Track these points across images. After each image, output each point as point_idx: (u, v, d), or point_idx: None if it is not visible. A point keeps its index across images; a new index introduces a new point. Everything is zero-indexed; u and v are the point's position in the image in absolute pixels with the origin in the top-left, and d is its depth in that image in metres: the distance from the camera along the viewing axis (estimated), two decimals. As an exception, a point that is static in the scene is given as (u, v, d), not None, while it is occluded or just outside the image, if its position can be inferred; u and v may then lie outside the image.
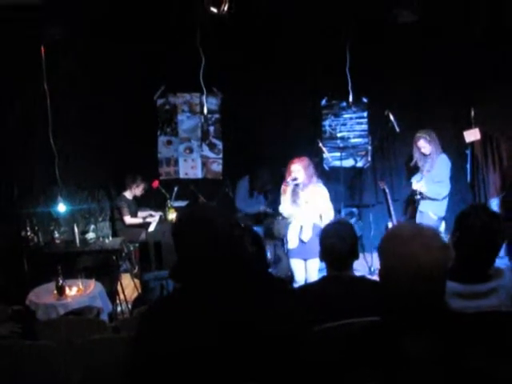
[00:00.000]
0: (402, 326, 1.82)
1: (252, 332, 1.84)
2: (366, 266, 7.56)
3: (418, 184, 6.63)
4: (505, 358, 1.81)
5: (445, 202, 6.59)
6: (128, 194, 7.88)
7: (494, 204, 7.41)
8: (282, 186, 5.91)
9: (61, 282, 5.45)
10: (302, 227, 5.69)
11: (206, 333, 1.81)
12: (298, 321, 1.98)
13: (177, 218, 2.21)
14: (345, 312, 2.63)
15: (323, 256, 3.18)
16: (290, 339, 1.89)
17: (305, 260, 5.72)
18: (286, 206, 5.83)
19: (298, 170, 5.66)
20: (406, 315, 1.83)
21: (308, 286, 3.41)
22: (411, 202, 7.18)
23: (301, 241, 5.70)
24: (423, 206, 6.69)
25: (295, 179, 5.65)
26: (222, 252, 1.92)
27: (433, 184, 6.52)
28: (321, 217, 5.63)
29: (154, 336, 1.86)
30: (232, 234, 1.96)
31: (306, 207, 5.69)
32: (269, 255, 6.65)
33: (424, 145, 6.60)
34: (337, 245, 3.07)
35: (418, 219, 6.63)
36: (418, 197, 6.68)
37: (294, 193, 5.73)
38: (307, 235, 5.62)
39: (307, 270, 5.70)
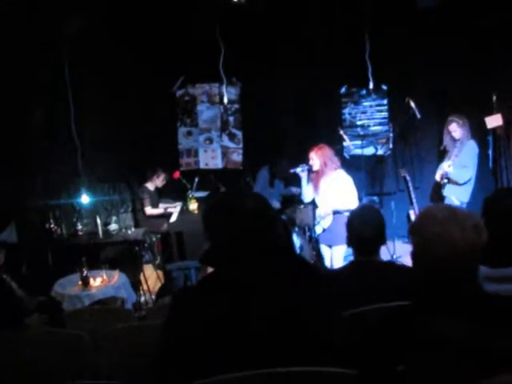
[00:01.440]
0: (435, 307, 1.81)
1: (287, 316, 1.83)
2: (388, 254, 7.50)
3: (445, 165, 6.58)
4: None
5: (469, 188, 6.54)
6: (150, 185, 7.91)
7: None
8: (304, 174, 6.00)
9: (85, 272, 5.50)
10: (322, 215, 5.77)
11: (240, 317, 1.81)
12: (331, 306, 1.97)
13: (209, 202, 2.17)
14: (373, 297, 2.61)
15: (350, 242, 3.16)
16: (324, 324, 1.88)
17: (330, 246, 5.77)
18: (306, 193, 5.98)
19: (313, 158, 5.77)
20: (439, 297, 1.83)
21: (336, 272, 3.40)
22: (437, 188, 7.13)
23: (323, 228, 5.76)
24: (447, 190, 6.66)
25: (309, 166, 5.80)
26: (256, 236, 1.90)
27: (459, 168, 6.49)
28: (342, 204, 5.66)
29: (187, 320, 1.85)
30: (266, 218, 1.94)
31: (325, 195, 5.74)
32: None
33: (455, 129, 6.57)
34: (364, 230, 3.04)
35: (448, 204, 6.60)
36: (445, 181, 6.65)
37: (315, 181, 5.85)
38: (327, 222, 5.68)
39: (332, 257, 5.74)
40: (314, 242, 6.83)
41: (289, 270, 1.93)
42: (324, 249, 5.96)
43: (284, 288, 1.87)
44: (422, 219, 1.91)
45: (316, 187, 5.83)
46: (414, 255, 1.94)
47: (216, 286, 1.89)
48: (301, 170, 5.88)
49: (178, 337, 1.85)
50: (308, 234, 7.16)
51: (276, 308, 1.82)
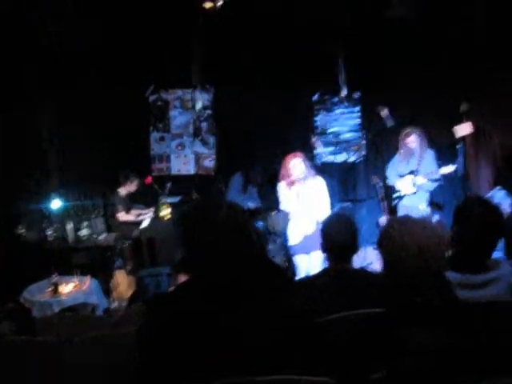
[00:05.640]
0: (410, 317, 1.84)
1: (260, 323, 1.84)
2: (359, 260, 7.54)
3: (418, 179, 6.65)
4: (506, 345, 1.84)
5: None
6: (122, 190, 7.76)
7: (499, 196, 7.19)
8: (283, 184, 5.84)
9: (56, 278, 5.44)
10: (305, 221, 5.74)
11: (217, 322, 1.81)
12: (303, 313, 1.99)
13: (183, 211, 2.17)
14: (347, 304, 2.63)
15: (325, 248, 3.19)
16: (295, 331, 1.89)
17: (308, 253, 5.71)
18: (290, 203, 5.81)
19: (299, 163, 5.69)
20: (413, 306, 1.86)
21: (310, 279, 3.42)
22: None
23: (305, 235, 5.72)
24: (409, 200, 6.77)
25: (299, 175, 5.67)
26: (231, 243, 1.91)
27: (428, 179, 6.64)
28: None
29: (163, 326, 1.84)
30: (240, 225, 1.96)
31: (309, 201, 5.70)
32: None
33: (414, 140, 6.66)
34: (338, 237, 3.08)
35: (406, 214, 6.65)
36: (413, 191, 6.72)
37: (295, 189, 5.74)
38: (311, 228, 5.65)
39: (311, 263, 5.69)
40: (285, 249, 6.81)
41: (262, 277, 1.94)
42: (299, 258, 5.84)
43: (257, 294, 1.88)
44: (385, 232, 1.98)
45: (299, 193, 5.72)
46: (385, 266, 1.99)
47: (192, 292, 1.90)
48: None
49: (153, 344, 1.84)
50: (279, 240, 7.17)
51: (249, 314, 1.83)
